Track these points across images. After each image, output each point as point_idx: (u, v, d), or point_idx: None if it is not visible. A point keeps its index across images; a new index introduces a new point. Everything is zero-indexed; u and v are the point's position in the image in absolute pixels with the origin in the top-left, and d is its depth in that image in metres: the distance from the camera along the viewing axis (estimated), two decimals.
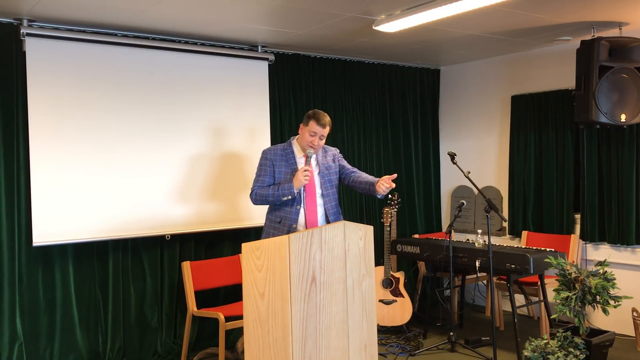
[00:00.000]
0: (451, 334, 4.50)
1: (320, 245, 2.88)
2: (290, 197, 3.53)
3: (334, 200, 3.74)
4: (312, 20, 4.15)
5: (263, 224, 3.79)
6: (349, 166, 3.89)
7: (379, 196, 3.62)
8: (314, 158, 3.71)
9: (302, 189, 3.59)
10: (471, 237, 5.79)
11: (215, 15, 3.94)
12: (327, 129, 3.63)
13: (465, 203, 4.90)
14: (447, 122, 6.26)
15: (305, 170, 3.50)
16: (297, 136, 3.76)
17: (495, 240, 5.63)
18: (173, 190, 4.43)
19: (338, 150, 3.93)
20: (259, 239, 3.38)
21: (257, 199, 3.64)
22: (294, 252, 2.76)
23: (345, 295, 3.00)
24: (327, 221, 3.70)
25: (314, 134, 3.60)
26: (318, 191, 3.68)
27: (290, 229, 3.57)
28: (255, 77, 4.84)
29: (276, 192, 3.54)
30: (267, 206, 3.75)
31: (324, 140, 3.66)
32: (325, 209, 3.70)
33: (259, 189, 3.63)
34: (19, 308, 3.96)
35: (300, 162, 3.67)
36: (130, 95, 4.27)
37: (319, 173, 3.70)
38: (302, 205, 3.61)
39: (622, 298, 3.72)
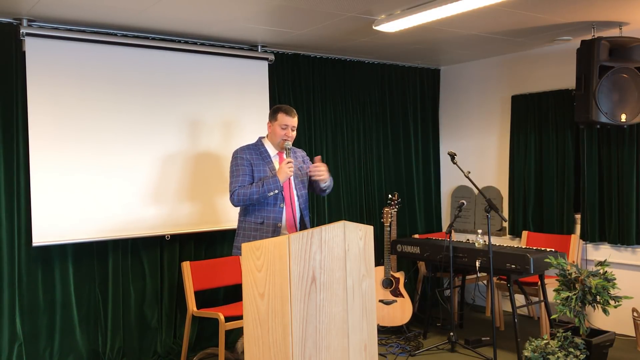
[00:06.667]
0: (451, 334, 4.50)
1: (320, 245, 2.88)
2: (276, 191, 3.48)
3: (306, 201, 3.75)
4: (312, 20, 4.15)
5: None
6: None
7: (322, 185, 3.67)
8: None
9: (281, 190, 3.55)
10: (471, 237, 5.79)
11: (215, 15, 3.94)
12: (296, 120, 3.66)
13: (465, 203, 4.90)
14: (447, 122, 6.26)
15: (288, 162, 3.48)
16: (265, 136, 3.75)
17: (496, 240, 5.63)
18: (173, 190, 4.43)
19: (305, 153, 3.94)
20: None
21: (239, 199, 3.51)
22: (293, 252, 2.75)
23: (345, 295, 3.00)
24: (303, 222, 3.71)
25: (285, 126, 3.60)
26: (294, 192, 3.67)
27: (276, 229, 3.55)
28: (255, 77, 4.84)
29: (261, 187, 3.46)
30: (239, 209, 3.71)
31: (295, 132, 3.68)
32: (300, 209, 3.69)
33: (240, 189, 3.51)
34: (18, 308, 3.95)
35: (276, 160, 3.67)
36: (130, 95, 4.27)
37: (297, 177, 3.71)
38: (284, 203, 3.59)
39: (622, 298, 3.71)
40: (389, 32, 4.43)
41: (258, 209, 3.57)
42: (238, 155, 3.63)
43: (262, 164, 3.61)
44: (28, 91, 3.89)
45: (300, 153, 3.88)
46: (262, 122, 4.86)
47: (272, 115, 3.66)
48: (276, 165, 3.64)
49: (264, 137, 3.75)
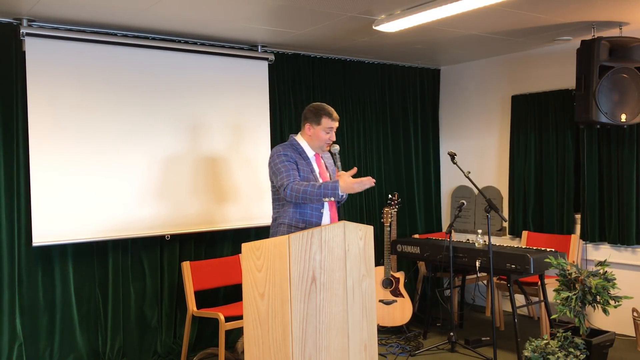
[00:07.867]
0: (451, 334, 4.49)
1: (320, 245, 2.88)
2: (332, 198, 3.20)
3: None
4: (312, 20, 4.15)
5: (266, 225, 3.59)
6: None
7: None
8: (322, 161, 3.51)
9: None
10: (471, 237, 5.78)
11: (215, 15, 3.94)
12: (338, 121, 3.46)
13: (465, 203, 4.90)
14: (447, 122, 6.26)
15: (359, 182, 3.15)
16: (297, 134, 3.52)
17: (496, 240, 5.63)
18: (173, 190, 4.43)
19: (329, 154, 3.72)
20: (259, 239, 3.36)
21: (292, 195, 3.21)
22: (294, 252, 2.75)
23: (345, 295, 3.00)
24: None
25: (329, 129, 3.38)
26: None
27: None
28: (255, 77, 4.84)
29: (318, 190, 3.16)
30: (274, 210, 3.50)
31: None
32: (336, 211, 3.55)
33: (294, 184, 3.22)
34: (18, 308, 3.95)
35: (314, 161, 3.45)
36: (130, 95, 4.27)
37: (329, 177, 3.52)
38: (324, 206, 3.38)
39: (622, 298, 3.71)
40: (389, 32, 4.43)
41: (300, 212, 3.33)
42: (282, 152, 3.36)
43: (305, 164, 3.37)
44: (28, 91, 3.89)
45: (326, 154, 3.67)
46: (262, 122, 4.86)
47: (315, 119, 3.39)
48: (315, 167, 3.43)
49: (296, 136, 3.49)
